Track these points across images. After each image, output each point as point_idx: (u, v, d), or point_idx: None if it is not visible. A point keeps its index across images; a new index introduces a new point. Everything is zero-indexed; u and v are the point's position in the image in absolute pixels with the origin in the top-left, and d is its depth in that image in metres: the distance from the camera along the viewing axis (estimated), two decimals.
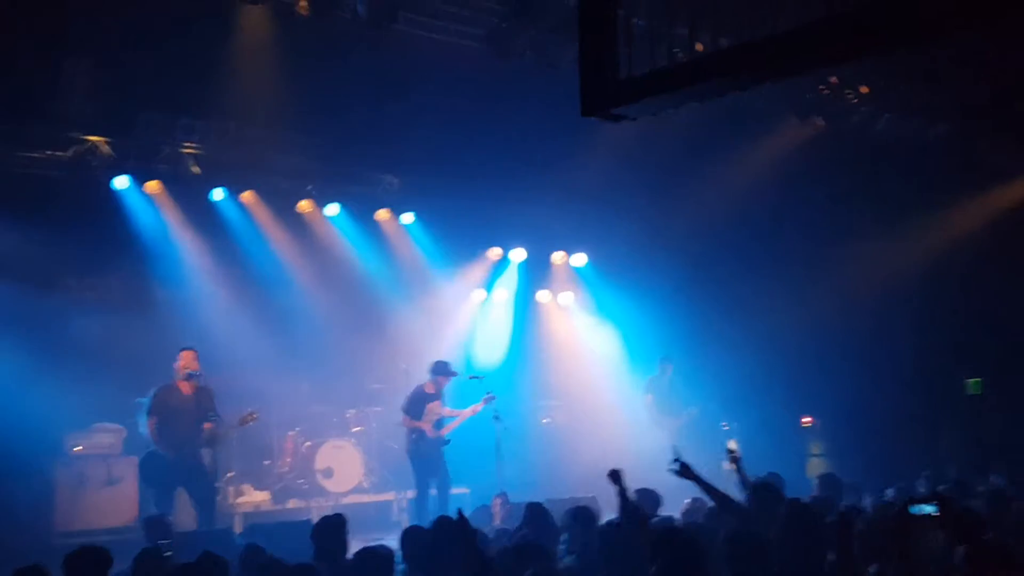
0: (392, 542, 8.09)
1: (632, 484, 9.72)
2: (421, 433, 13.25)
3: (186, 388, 11.87)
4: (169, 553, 8.11)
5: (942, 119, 15.22)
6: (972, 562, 5.39)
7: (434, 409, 13.41)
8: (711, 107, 13.70)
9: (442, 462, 13.35)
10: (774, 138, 15.60)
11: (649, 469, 12.12)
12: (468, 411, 13.55)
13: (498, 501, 10.97)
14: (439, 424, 13.43)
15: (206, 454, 11.73)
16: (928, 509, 5.50)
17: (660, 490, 9.71)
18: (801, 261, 16.28)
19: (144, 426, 11.74)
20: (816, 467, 16.46)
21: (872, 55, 4.36)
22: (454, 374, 13.69)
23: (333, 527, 7.89)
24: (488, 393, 13.52)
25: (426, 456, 13.25)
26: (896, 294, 16.81)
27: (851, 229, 16.52)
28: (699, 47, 4.92)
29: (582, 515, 8.28)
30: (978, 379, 16.32)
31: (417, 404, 13.37)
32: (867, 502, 9.69)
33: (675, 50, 4.75)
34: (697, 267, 17.12)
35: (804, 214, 16.23)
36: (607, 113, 4.66)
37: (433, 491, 13.18)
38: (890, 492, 9.86)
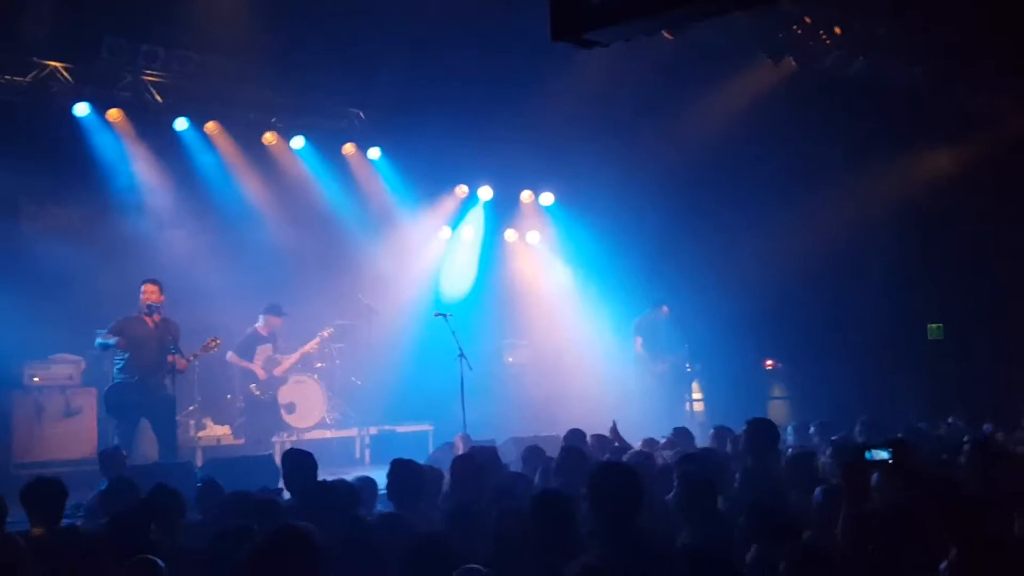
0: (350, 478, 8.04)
1: (594, 427, 9.82)
2: (252, 375, 13.77)
3: (149, 321, 11.73)
4: None
5: (916, 62, 15.12)
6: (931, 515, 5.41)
7: (264, 352, 13.96)
8: (682, 46, 13.84)
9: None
10: (746, 78, 15.43)
11: (612, 409, 12.18)
12: (303, 348, 14.20)
13: (460, 439, 10.95)
14: (272, 365, 13.94)
15: (168, 385, 11.63)
16: (883, 454, 5.56)
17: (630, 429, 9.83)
18: (769, 203, 16.22)
19: (101, 337, 11.65)
20: (778, 409, 16.59)
21: None
22: (284, 315, 14.06)
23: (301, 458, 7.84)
24: (327, 328, 14.09)
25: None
26: (864, 237, 16.88)
27: (821, 172, 16.49)
28: None
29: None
30: (939, 324, 16.40)
31: (248, 345, 13.88)
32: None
33: None
34: (665, 207, 17.07)
35: (775, 155, 16.17)
36: (578, 38, 4.51)
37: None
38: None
